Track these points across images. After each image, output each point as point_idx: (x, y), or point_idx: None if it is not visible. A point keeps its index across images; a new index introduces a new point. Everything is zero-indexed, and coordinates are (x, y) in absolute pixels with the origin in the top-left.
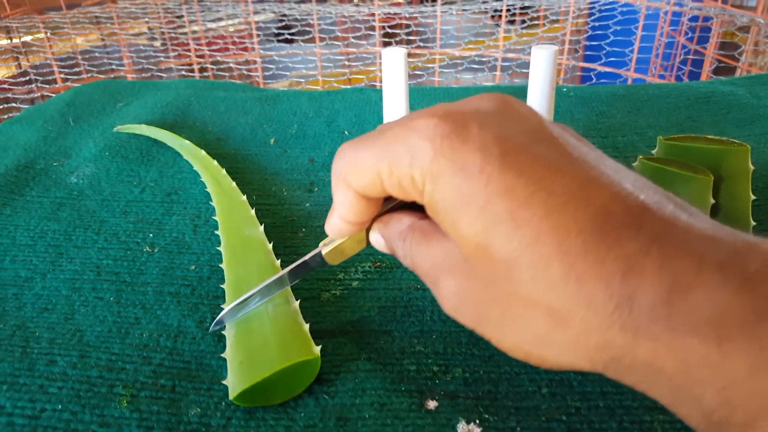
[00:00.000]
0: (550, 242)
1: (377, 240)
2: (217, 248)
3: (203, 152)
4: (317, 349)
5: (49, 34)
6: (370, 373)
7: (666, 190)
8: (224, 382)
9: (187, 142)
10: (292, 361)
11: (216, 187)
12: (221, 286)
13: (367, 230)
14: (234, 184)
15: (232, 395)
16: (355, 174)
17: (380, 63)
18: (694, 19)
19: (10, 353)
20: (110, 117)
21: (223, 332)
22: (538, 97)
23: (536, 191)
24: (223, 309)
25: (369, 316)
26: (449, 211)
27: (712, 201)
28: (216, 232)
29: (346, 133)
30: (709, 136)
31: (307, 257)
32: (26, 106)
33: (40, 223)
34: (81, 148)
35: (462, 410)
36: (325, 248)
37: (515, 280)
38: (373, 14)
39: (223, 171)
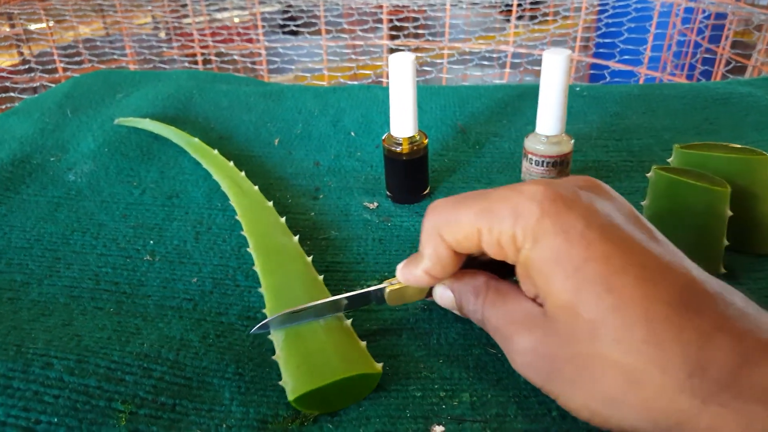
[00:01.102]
0: (638, 308)
1: (443, 294)
2: (247, 249)
3: (215, 151)
4: (379, 365)
5: (51, 22)
6: (375, 401)
7: (681, 201)
8: (280, 383)
9: (197, 140)
10: (356, 372)
11: (234, 188)
12: (259, 290)
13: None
14: (256, 188)
15: (292, 396)
16: (453, 228)
17: (387, 57)
18: (706, 16)
19: (4, 352)
20: (109, 109)
21: (269, 337)
22: (550, 104)
23: (631, 263)
24: (266, 315)
25: (373, 340)
26: (544, 268)
27: (730, 213)
28: (219, 241)
29: (353, 134)
30: (728, 144)
31: (370, 289)
32: (26, 96)
33: (37, 224)
34: (79, 142)
35: None
36: (390, 287)
37: (598, 339)
38: (380, 6)
39: (242, 173)
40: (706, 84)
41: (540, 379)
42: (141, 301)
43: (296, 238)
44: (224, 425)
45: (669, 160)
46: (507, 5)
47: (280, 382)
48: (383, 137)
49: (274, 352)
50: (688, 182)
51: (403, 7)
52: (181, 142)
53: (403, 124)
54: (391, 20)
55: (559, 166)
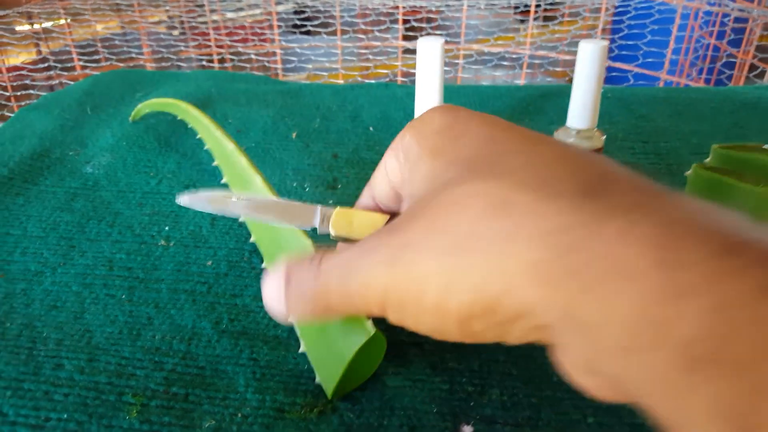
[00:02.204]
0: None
1: (269, 284)
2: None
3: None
4: (370, 324)
5: (69, 20)
6: (399, 390)
7: (722, 202)
8: (317, 381)
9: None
10: (359, 346)
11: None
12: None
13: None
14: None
15: (329, 396)
16: (373, 182)
17: (403, 58)
18: (725, 20)
19: (15, 356)
20: (128, 107)
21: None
22: (584, 96)
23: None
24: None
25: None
26: (413, 172)
27: None
28: (234, 226)
29: (371, 129)
30: (761, 145)
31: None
32: (44, 93)
33: (53, 213)
34: (98, 137)
35: None
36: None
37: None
38: (397, 7)
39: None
40: (733, 88)
41: (384, 264)
42: (154, 285)
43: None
44: (239, 414)
45: (706, 160)
46: (526, 5)
47: (317, 381)
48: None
49: (289, 336)
50: (730, 182)
51: (420, 7)
52: (197, 126)
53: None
54: (408, 21)
55: None
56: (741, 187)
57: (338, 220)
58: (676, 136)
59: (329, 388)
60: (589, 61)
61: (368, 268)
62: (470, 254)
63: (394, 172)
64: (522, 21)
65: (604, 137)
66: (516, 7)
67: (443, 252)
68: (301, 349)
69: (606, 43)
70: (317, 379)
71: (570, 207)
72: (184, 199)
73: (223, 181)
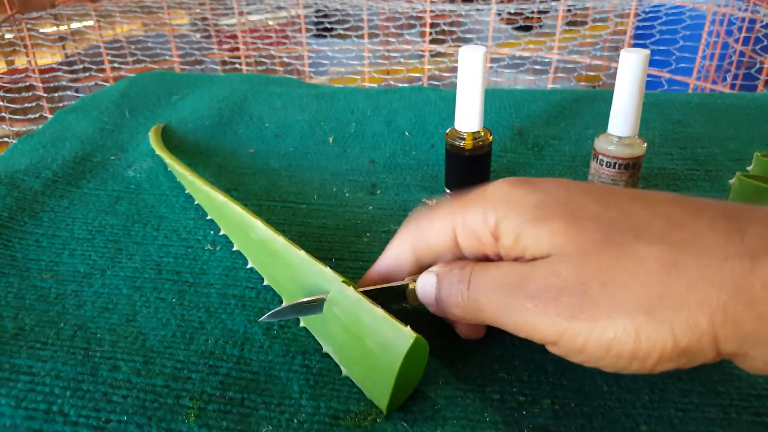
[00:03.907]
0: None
1: (426, 281)
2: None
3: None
4: (408, 330)
5: (101, 22)
6: (450, 400)
7: None
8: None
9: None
10: (404, 354)
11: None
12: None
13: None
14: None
15: (385, 412)
16: (427, 233)
17: (430, 62)
18: (750, 26)
19: (72, 356)
20: (166, 111)
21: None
22: (625, 104)
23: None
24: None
25: (442, 334)
26: (527, 226)
27: None
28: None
29: (407, 134)
30: None
31: (388, 285)
32: (72, 93)
33: (98, 216)
34: (138, 142)
35: None
36: (413, 283)
37: (620, 242)
38: (425, 11)
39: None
40: None
41: (565, 315)
42: (203, 290)
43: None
44: (295, 420)
45: (749, 168)
46: (542, 12)
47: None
48: (447, 131)
49: None
50: None
51: (450, 11)
52: (186, 185)
53: (468, 118)
54: (437, 24)
55: (631, 169)
56: None
57: (414, 295)
58: (713, 142)
59: (383, 404)
60: (631, 70)
61: (539, 316)
62: (663, 311)
63: (476, 230)
64: (523, 29)
65: (645, 145)
66: (515, 18)
67: (636, 310)
68: (344, 374)
69: (647, 52)
70: (368, 397)
71: (723, 258)
72: (267, 317)
73: (221, 233)
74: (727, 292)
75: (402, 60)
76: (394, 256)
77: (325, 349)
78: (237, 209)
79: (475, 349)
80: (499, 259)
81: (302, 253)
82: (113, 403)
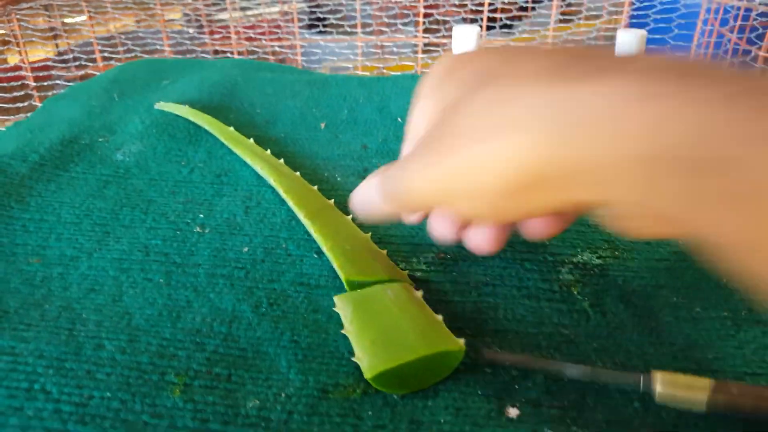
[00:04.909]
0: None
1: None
2: (298, 221)
3: (250, 140)
4: (461, 341)
5: (91, 13)
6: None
7: None
8: (353, 359)
9: (231, 128)
10: (438, 349)
11: (275, 173)
12: (314, 256)
13: None
14: (298, 173)
15: (369, 374)
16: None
17: (421, 55)
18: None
19: (56, 336)
20: (155, 94)
21: (334, 309)
22: None
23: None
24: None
25: (435, 312)
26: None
27: None
28: (269, 215)
29: (399, 120)
30: None
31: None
32: (66, 83)
33: (86, 200)
34: (126, 124)
35: (547, 420)
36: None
37: None
38: (418, 1)
39: (281, 160)
40: None
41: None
42: (191, 270)
43: (349, 217)
44: (283, 394)
45: None
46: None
47: (353, 358)
48: None
49: (328, 320)
50: None
51: (444, 2)
52: (215, 131)
53: None
54: (431, 14)
55: None
56: None
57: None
58: None
59: (375, 368)
60: (627, 49)
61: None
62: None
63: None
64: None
65: None
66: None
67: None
68: (346, 329)
69: (644, 32)
70: (354, 357)
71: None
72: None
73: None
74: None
75: (395, 49)
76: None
77: (339, 305)
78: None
79: (467, 326)
80: None
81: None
82: (96, 380)
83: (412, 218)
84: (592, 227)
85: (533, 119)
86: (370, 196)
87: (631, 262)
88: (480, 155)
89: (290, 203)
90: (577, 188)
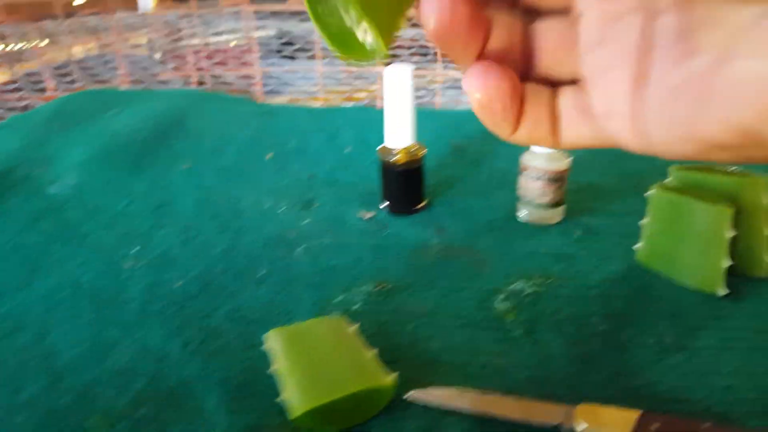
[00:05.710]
0: None
1: None
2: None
3: None
4: (392, 376)
5: (47, 42)
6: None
7: (682, 220)
8: (278, 399)
9: None
10: (367, 386)
11: None
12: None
13: None
14: None
15: (294, 413)
16: None
17: (382, 82)
18: None
19: None
20: (99, 124)
21: (262, 348)
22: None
23: None
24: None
25: (370, 344)
26: None
27: (734, 233)
28: (207, 246)
29: (348, 149)
30: (725, 168)
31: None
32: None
33: (15, 236)
34: (65, 156)
35: None
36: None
37: None
38: None
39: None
40: None
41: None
42: (122, 306)
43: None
44: None
45: (666, 180)
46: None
47: (278, 399)
48: (378, 148)
49: (261, 357)
50: (689, 201)
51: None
52: None
53: (399, 133)
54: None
55: (558, 182)
56: (698, 206)
57: (584, 415)
58: (641, 158)
59: (301, 407)
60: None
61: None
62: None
63: None
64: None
65: (570, 159)
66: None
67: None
68: (273, 368)
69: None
70: (281, 397)
71: None
72: (412, 395)
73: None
74: None
75: (354, 80)
76: None
77: (269, 343)
78: None
79: (401, 357)
80: None
81: None
82: (11, 426)
83: None
84: (527, 257)
85: None
86: None
87: (563, 290)
88: None
89: None
90: None
